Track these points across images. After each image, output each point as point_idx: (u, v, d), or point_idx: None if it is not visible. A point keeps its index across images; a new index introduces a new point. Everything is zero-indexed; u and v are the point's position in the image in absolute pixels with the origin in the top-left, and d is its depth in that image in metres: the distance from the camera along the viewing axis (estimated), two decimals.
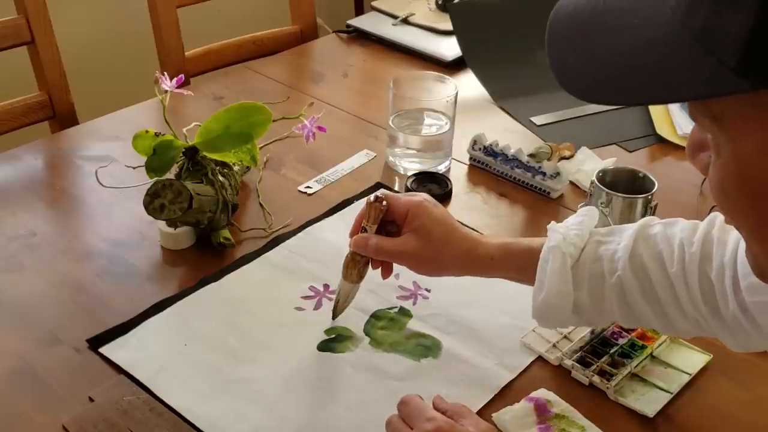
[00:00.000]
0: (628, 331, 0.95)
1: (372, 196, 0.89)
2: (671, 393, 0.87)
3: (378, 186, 1.21)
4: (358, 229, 0.90)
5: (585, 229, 0.84)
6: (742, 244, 0.55)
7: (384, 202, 0.88)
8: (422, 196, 0.90)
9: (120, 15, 2.13)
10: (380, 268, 0.92)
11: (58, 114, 1.42)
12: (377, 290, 1.01)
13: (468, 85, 1.50)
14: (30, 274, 1.02)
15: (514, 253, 0.87)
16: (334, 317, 0.95)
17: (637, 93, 0.46)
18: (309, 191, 1.20)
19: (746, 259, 0.53)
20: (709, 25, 0.41)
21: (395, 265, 1.03)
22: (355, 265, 0.90)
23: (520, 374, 0.90)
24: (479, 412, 0.84)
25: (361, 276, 0.91)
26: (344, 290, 0.93)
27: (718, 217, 0.77)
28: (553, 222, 0.86)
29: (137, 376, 0.87)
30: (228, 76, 1.55)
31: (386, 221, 0.90)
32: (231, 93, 1.45)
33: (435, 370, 0.90)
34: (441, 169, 1.25)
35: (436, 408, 0.79)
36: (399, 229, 0.89)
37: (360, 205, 1.17)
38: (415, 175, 1.21)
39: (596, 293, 0.81)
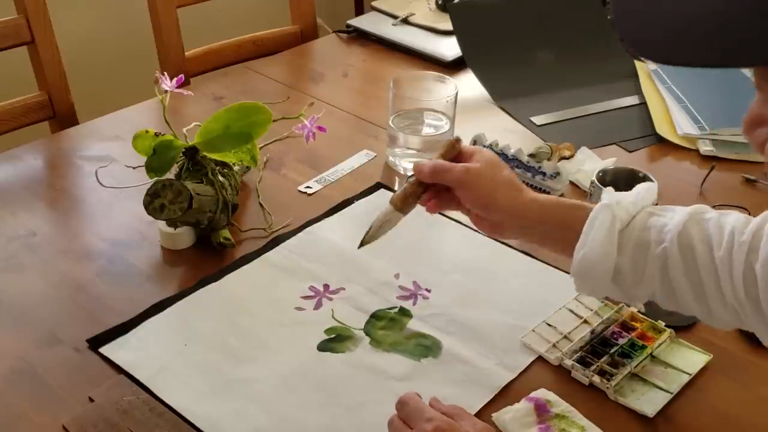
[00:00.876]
0: (628, 330, 0.95)
1: (453, 137, 0.90)
2: (671, 393, 0.87)
3: (378, 186, 1.21)
4: None
5: (641, 201, 0.82)
6: None
7: (459, 144, 0.90)
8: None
9: (120, 15, 2.13)
10: (427, 205, 0.90)
11: (58, 114, 1.42)
12: (377, 290, 1.01)
13: (468, 85, 1.50)
14: (30, 274, 1.02)
15: (564, 204, 0.86)
16: (360, 245, 0.89)
17: (710, 55, 0.46)
18: (309, 191, 1.20)
19: None
20: None
21: (395, 265, 1.03)
22: (412, 195, 0.88)
23: (520, 374, 0.90)
24: (479, 412, 0.84)
25: (410, 208, 0.88)
26: (391, 220, 0.88)
27: None
28: (610, 188, 0.84)
29: (137, 376, 0.87)
30: (228, 76, 1.55)
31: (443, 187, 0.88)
32: (231, 93, 1.45)
33: (435, 370, 0.90)
34: None
35: (434, 408, 0.79)
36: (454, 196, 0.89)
37: (360, 204, 1.17)
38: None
39: (639, 261, 0.79)
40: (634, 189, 0.85)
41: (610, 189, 0.84)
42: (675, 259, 0.77)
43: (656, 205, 0.83)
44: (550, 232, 0.86)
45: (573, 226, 0.82)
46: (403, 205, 0.88)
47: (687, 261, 0.77)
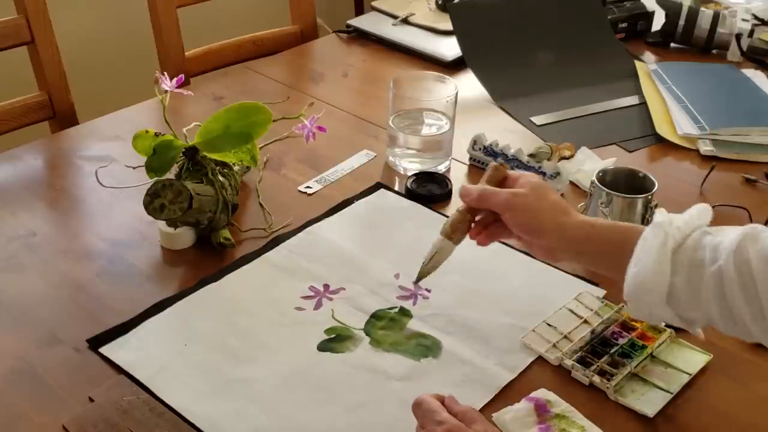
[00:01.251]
0: (628, 330, 0.95)
1: (498, 161, 0.89)
2: (671, 393, 0.87)
3: (378, 186, 1.21)
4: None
5: (694, 220, 0.80)
6: None
7: (505, 168, 0.89)
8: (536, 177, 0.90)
9: (120, 15, 2.13)
10: (477, 238, 0.89)
11: (58, 114, 1.42)
12: (377, 290, 1.01)
13: (468, 85, 1.50)
14: (30, 274, 1.02)
15: (616, 226, 0.84)
16: (417, 280, 0.90)
17: None
18: (309, 191, 1.20)
19: None
20: None
21: (395, 265, 1.03)
22: (462, 224, 0.87)
23: (520, 374, 0.90)
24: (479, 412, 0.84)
25: (460, 237, 0.88)
26: (442, 250, 0.88)
27: None
28: (663, 209, 0.83)
29: (137, 376, 0.87)
30: (228, 76, 1.55)
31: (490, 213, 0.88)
32: (231, 93, 1.45)
33: (435, 370, 0.90)
34: (441, 169, 1.25)
35: (447, 409, 0.78)
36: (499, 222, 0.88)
37: (360, 204, 1.17)
38: (415, 175, 1.21)
39: (694, 281, 0.76)
40: (690, 209, 0.82)
41: (662, 210, 0.81)
42: (731, 277, 0.74)
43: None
44: (603, 255, 0.84)
45: (626, 248, 0.79)
46: (453, 234, 0.88)
47: (743, 278, 0.73)
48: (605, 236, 0.83)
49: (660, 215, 0.80)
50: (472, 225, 0.89)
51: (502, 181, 0.89)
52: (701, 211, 0.81)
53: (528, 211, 0.85)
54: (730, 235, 0.76)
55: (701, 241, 0.77)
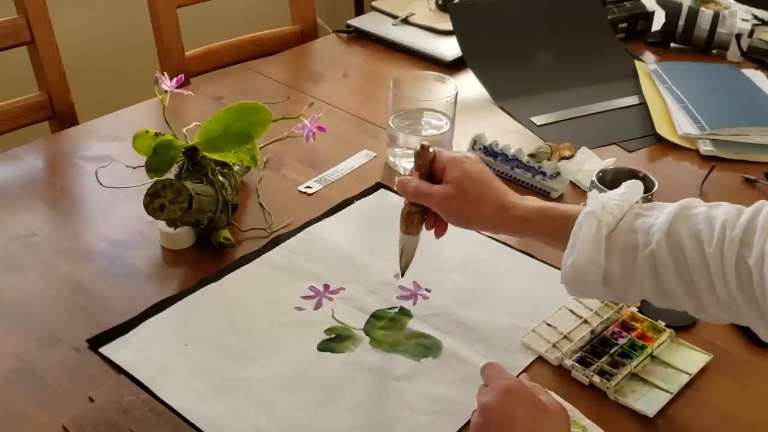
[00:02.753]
0: (628, 330, 0.95)
1: (419, 145, 0.89)
2: (671, 393, 0.87)
3: (378, 186, 1.21)
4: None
5: (626, 201, 0.82)
6: None
7: (431, 149, 0.89)
8: (464, 153, 0.90)
9: (120, 15, 2.13)
10: (434, 229, 0.91)
11: (58, 114, 1.42)
12: (377, 290, 1.01)
13: (468, 85, 1.50)
14: (30, 274, 1.02)
15: (549, 217, 0.85)
16: (402, 275, 0.93)
17: None
18: (309, 191, 1.20)
19: None
20: None
21: (395, 265, 1.03)
22: (411, 217, 0.89)
23: (520, 374, 0.90)
24: None
25: (417, 229, 0.90)
26: (406, 244, 0.91)
27: (765, 205, 0.75)
28: (594, 190, 0.84)
29: (137, 376, 0.87)
30: (228, 76, 1.55)
31: (433, 175, 0.89)
32: (231, 93, 1.45)
33: (435, 370, 0.90)
34: None
35: None
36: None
37: (360, 204, 1.17)
38: None
39: (627, 265, 0.79)
40: (620, 188, 0.84)
41: (594, 192, 0.84)
42: (663, 260, 0.77)
43: (648, 201, 0.83)
44: (543, 241, 0.88)
45: (563, 236, 0.82)
46: (408, 228, 0.90)
47: (676, 259, 0.76)
48: (541, 229, 0.86)
49: (592, 200, 0.82)
50: (425, 212, 0.90)
51: (431, 164, 0.89)
52: (633, 189, 0.84)
53: (461, 213, 0.87)
54: (662, 216, 0.79)
55: (633, 224, 0.80)
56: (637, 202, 0.83)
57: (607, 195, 0.83)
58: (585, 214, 0.81)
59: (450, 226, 0.91)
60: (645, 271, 0.78)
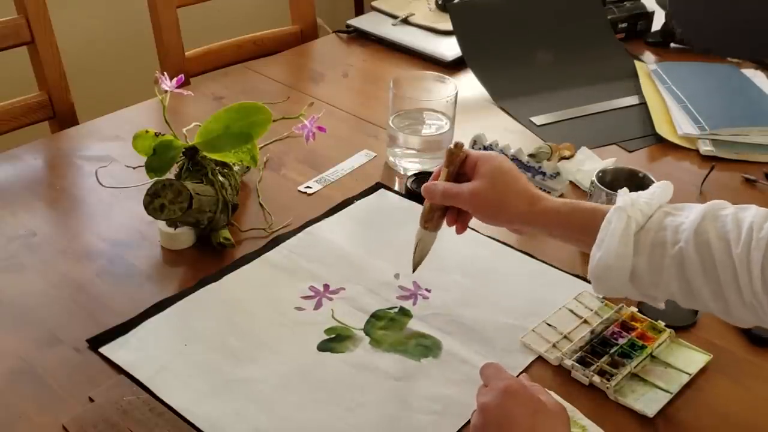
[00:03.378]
0: (628, 330, 0.95)
1: (453, 143, 0.89)
2: (671, 393, 0.87)
3: (378, 186, 1.21)
4: (437, 178, 0.90)
5: (656, 199, 0.82)
6: None
7: (463, 149, 0.89)
8: (494, 151, 0.90)
9: (120, 15, 2.13)
10: (455, 226, 0.91)
11: (58, 114, 1.42)
12: (377, 290, 1.01)
13: (468, 85, 1.50)
14: (30, 274, 1.02)
15: (579, 209, 0.86)
16: (414, 270, 0.92)
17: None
18: (309, 191, 1.20)
19: None
20: None
21: (395, 265, 1.03)
22: (432, 213, 0.89)
23: (520, 374, 0.90)
24: None
25: (437, 225, 0.90)
26: (423, 239, 0.91)
27: None
28: (625, 188, 0.85)
29: (137, 376, 0.87)
30: (228, 76, 1.55)
31: (462, 177, 0.89)
32: (231, 93, 1.45)
33: (435, 370, 0.90)
34: None
35: None
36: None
37: (360, 204, 1.17)
38: (415, 175, 1.21)
39: (655, 262, 0.79)
40: (650, 188, 0.84)
41: (624, 190, 0.84)
42: (691, 258, 0.77)
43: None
44: (570, 238, 0.87)
45: (592, 230, 0.82)
46: (428, 224, 0.90)
47: (703, 259, 0.76)
48: (573, 220, 0.85)
49: (622, 197, 0.82)
50: (446, 210, 0.90)
51: (462, 163, 0.89)
52: (663, 189, 0.84)
53: (492, 206, 0.87)
54: (691, 215, 0.79)
55: (663, 222, 0.80)
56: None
57: (637, 193, 0.83)
58: (615, 210, 0.81)
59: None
60: (672, 269, 0.78)
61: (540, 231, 0.89)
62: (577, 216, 0.85)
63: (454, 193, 0.88)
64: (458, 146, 0.89)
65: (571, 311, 0.98)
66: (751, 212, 0.77)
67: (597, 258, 0.81)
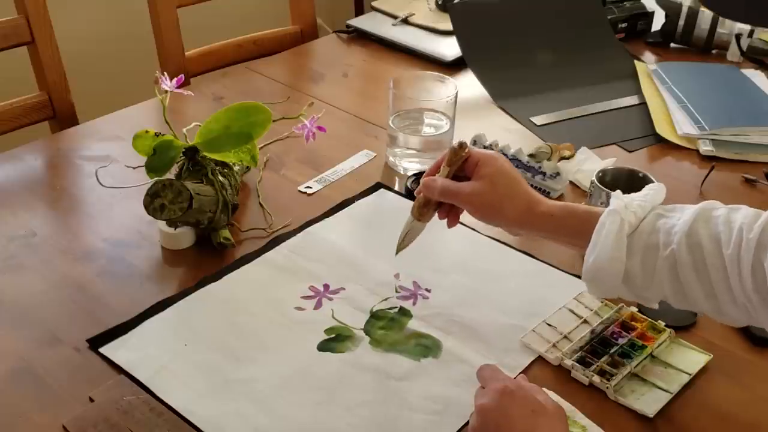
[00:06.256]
0: (628, 330, 0.95)
1: (456, 142, 0.89)
2: (671, 393, 0.87)
3: (378, 186, 1.21)
4: (435, 171, 0.91)
5: (649, 202, 0.83)
6: None
7: (466, 149, 0.89)
8: (495, 152, 0.91)
9: (120, 15, 2.13)
10: (446, 219, 0.92)
11: (58, 114, 1.42)
12: (377, 290, 1.01)
13: (468, 85, 1.50)
14: (30, 274, 1.02)
15: (574, 213, 0.87)
16: (396, 253, 0.93)
17: None
18: (309, 191, 1.20)
19: None
20: None
21: (396, 264, 1.03)
22: (427, 205, 0.90)
23: (519, 374, 0.90)
24: None
25: (429, 216, 0.91)
26: (413, 229, 0.92)
27: None
28: (618, 191, 0.85)
29: (137, 376, 0.87)
30: (228, 76, 1.55)
31: (460, 174, 0.90)
32: (231, 93, 1.45)
33: (435, 370, 0.90)
34: None
35: None
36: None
37: (360, 204, 1.17)
38: (415, 175, 1.21)
39: (648, 264, 0.80)
40: (643, 190, 0.85)
41: (618, 192, 0.85)
42: (684, 260, 0.78)
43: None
44: (565, 241, 0.88)
45: (586, 233, 0.83)
46: (421, 216, 0.91)
47: (695, 260, 0.77)
48: (565, 226, 0.87)
49: (615, 200, 0.83)
50: (438, 209, 0.91)
51: (465, 162, 0.89)
52: (656, 191, 0.85)
53: (489, 208, 0.88)
54: (683, 217, 0.80)
55: (655, 224, 0.81)
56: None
57: (630, 196, 0.84)
58: (608, 213, 0.82)
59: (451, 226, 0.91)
60: (665, 271, 0.79)
61: (536, 235, 0.90)
62: (571, 220, 0.86)
63: (452, 191, 0.88)
64: (462, 146, 0.89)
65: (571, 311, 0.98)
66: (741, 213, 0.78)
67: (590, 261, 0.82)
